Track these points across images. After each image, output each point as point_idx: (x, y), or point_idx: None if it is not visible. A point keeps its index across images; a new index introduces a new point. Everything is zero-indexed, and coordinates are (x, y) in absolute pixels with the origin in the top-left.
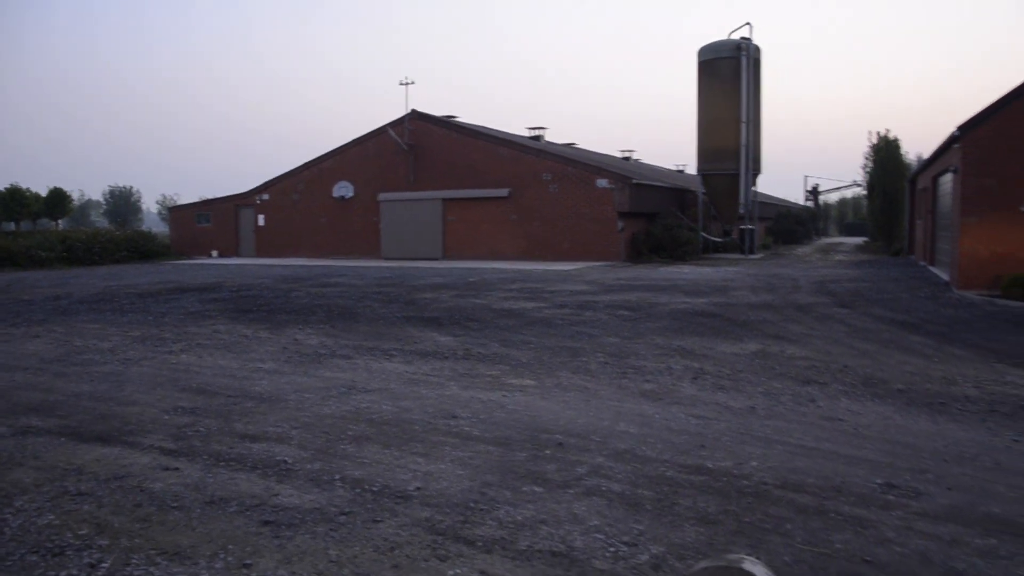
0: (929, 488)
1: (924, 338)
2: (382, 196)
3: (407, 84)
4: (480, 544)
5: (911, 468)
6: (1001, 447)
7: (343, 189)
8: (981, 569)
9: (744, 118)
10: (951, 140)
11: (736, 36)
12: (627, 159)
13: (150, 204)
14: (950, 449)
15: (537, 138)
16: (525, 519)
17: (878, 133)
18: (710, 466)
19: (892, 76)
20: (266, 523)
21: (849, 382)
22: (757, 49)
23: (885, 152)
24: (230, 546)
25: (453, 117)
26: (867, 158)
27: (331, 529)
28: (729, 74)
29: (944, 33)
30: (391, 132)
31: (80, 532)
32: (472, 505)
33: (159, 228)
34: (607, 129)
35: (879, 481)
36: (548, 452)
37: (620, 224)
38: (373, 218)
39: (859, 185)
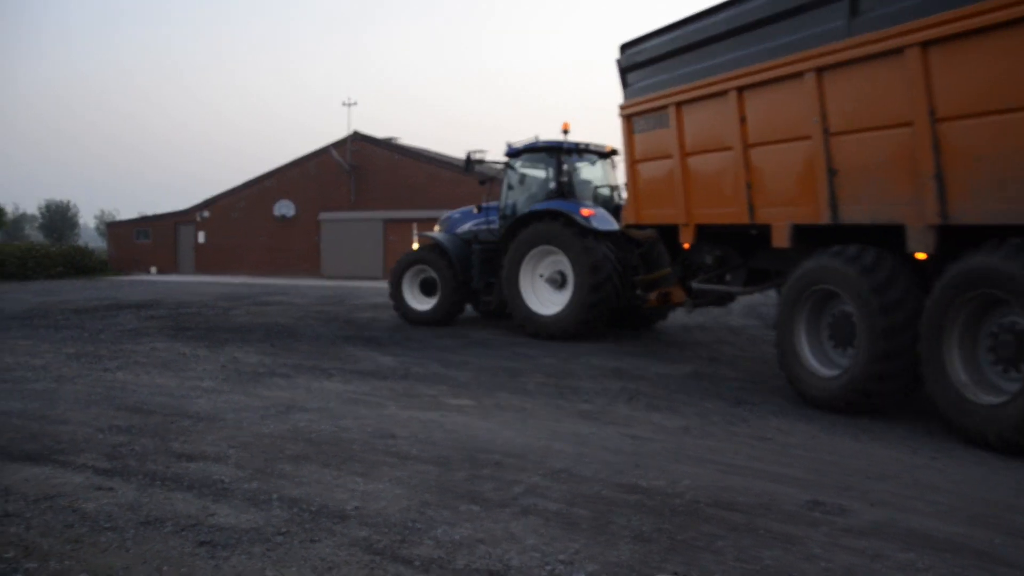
0: (854, 505)
1: None
2: (323, 215)
3: (350, 105)
4: (418, 564)
5: (836, 485)
6: (920, 464)
7: (284, 208)
8: None
9: None
10: None
11: None
12: None
13: (88, 219)
14: (873, 467)
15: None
16: (463, 538)
17: None
18: (644, 485)
19: None
20: (202, 543)
21: (778, 402)
22: None
23: None
24: (165, 567)
25: (395, 138)
26: None
27: (268, 549)
28: None
29: None
30: (333, 152)
31: (6, 555)
32: (410, 525)
33: (97, 244)
34: None
35: (806, 498)
36: (486, 471)
37: None
38: (314, 237)
39: None
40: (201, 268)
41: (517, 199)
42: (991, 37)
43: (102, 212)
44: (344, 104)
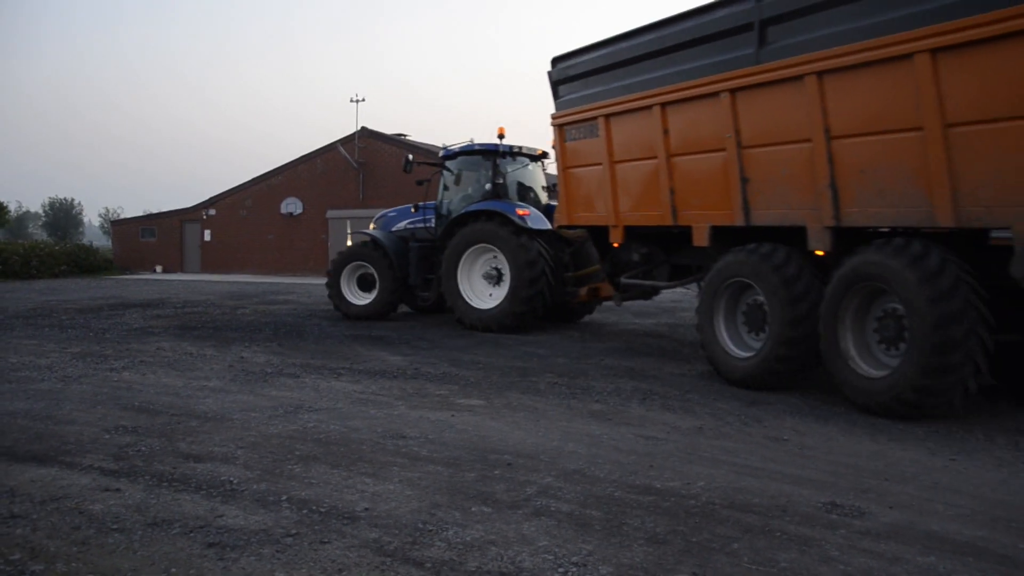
0: (871, 507)
1: None
2: (330, 213)
3: (358, 101)
4: (428, 566)
5: (854, 487)
6: (939, 466)
7: (291, 205)
8: None
9: None
10: None
11: None
12: None
13: (92, 217)
14: (891, 468)
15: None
16: (474, 540)
17: None
18: (658, 486)
19: None
20: (211, 545)
21: (793, 402)
22: None
23: None
24: (173, 569)
25: (404, 135)
26: None
27: (277, 551)
28: None
29: None
30: (341, 149)
31: (12, 558)
32: (421, 526)
33: (101, 242)
34: None
35: (823, 500)
36: (497, 472)
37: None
38: (321, 235)
39: None
40: (207, 267)
41: (453, 199)
42: (873, 71)
43: (107, 210)
44: (352, 100)
